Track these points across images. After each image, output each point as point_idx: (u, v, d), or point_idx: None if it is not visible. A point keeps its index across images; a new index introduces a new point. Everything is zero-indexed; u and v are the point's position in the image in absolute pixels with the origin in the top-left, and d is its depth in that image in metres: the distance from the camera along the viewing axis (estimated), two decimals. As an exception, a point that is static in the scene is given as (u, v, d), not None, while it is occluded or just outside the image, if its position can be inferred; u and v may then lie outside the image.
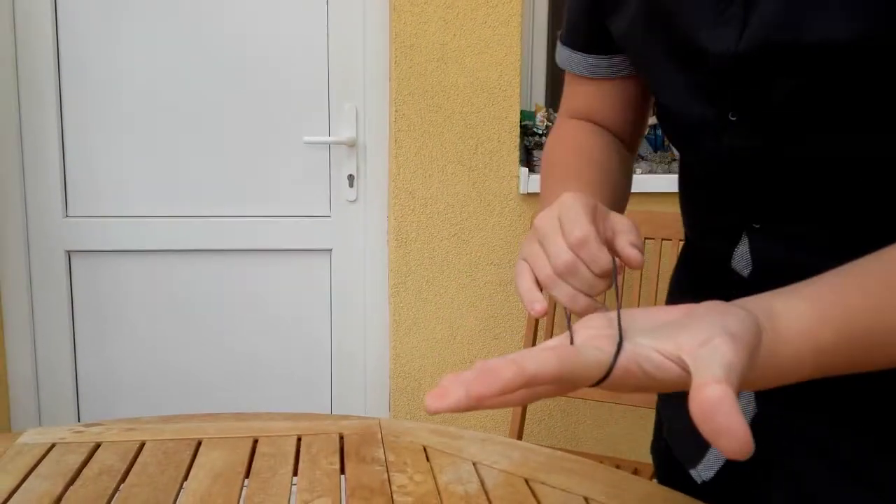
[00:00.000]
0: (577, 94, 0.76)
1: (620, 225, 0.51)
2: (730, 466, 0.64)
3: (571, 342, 0.42)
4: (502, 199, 1.88)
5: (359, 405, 2.03)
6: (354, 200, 1.94)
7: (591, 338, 0.41)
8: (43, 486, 0.69)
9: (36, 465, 0.73)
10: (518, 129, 1.87)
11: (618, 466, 1.25)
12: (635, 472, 1.52)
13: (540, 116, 1.91)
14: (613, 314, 0.43)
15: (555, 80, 2.06)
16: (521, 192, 1.87)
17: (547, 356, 0.37)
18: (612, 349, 0.39)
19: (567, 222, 0.49)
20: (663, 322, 0.42)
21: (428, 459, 0.76)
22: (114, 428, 0.82)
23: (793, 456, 0.60)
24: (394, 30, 1.81)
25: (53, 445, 0.77)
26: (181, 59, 1.86)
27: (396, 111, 1.83)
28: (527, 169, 1.87)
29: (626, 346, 0.39)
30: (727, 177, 0.58)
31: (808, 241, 0.55)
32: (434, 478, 0.72)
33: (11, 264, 1.88)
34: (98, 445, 0.78)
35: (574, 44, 0.73)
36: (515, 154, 1.87)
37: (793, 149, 0.53)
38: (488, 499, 0.69)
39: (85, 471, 0.72)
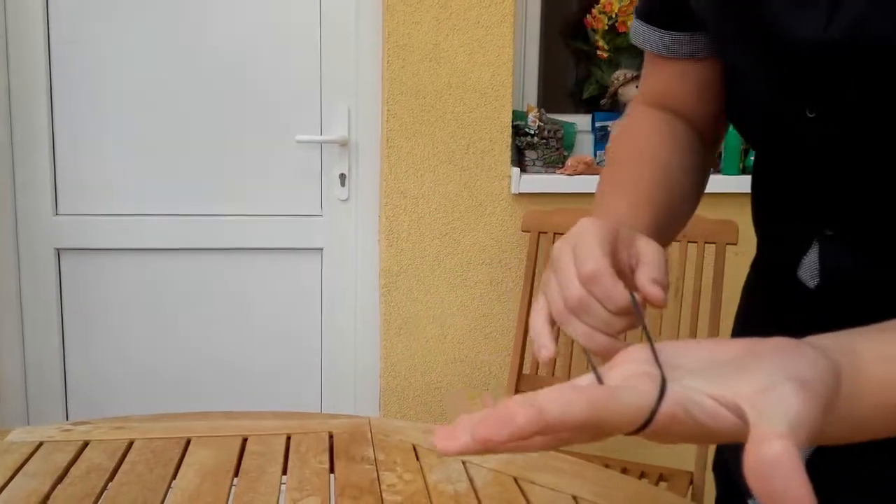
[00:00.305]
0: (652, 76, 0.70)
1: (646, 255, 0.46)
2: None
3: (600, 382, 0.36)
4: (494, 198, 1.89)
5: (348, 405, 2.03)
6: (346, 199, 1.94)
7: (631, 376, 0.35)
8: (31, 484, 0.69)
9: (24, 464, 0.73)
10: (510, 129, 1.87)
11: (607, 466, 1.25)
12: (624, 471, 1.52)
13: (532, 117, 1.92)
14: (658, 347, 0.37)
15: (547, 81, 2.06)
16: (513, 192, 1.87)
17: (575, 398, 0.31)
18: (655, 391, 0.33)
19: (581, 253, 0.45)
20: (719, 360, 0.36)
21: (417, 458, 0.76)
22: (102, 426, 0.82)
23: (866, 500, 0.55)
24: (386, 29, 1.81)
25: (41, 444, 0.77)
26: (173, 57, 1.86)
27: (388, 111, 1.83)
28: (518, 169, 1.88)
29: (673, 388, 0.34)
30: (802, 175, 0.54)
31: (882, 253, 0.50)
32: (423, 477, 0.72)
33: (0, 262, 1.87)
34: (86, 444, 0.78)
35: (650, 19, 0.67)
36: (507, 154, 1.87)
37: (876, 147, 0.48)
38: (477, 498, 0.69)
39: (73, 469, 0.72)
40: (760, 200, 0.64)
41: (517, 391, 1.69)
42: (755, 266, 0.68)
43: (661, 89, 0.69)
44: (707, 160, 0.69)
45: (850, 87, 0.47)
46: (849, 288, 0.45)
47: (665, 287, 0.44)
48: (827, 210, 0.53)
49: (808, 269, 0.56)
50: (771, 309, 0.63)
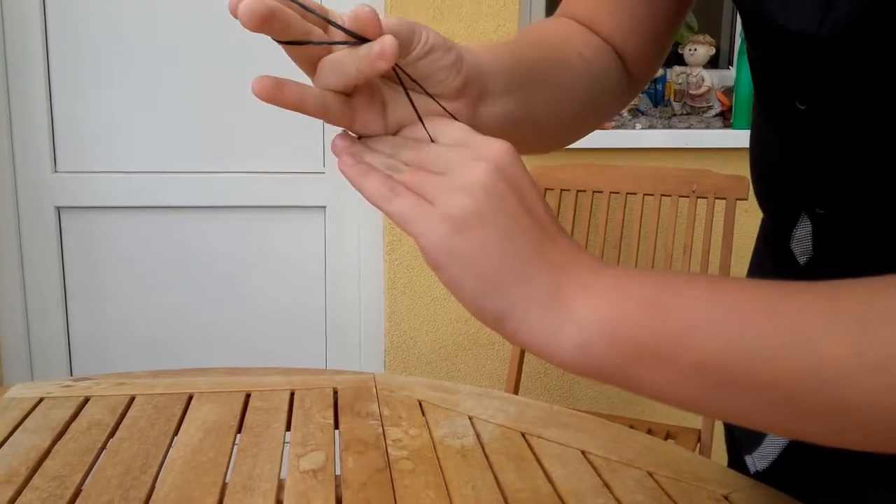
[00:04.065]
0: None
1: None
2: (787, 458, 0.58)
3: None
4: (499, 155, 1.85)
5: (353, 365, 2.02)
6: (349, 156, 1.91)
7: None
8: (31, 439, 0.68)
9: (23, 420, 0.72)
10: (515, 84, 1.83)
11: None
12: (631, 428, 1.52)
13: (538, 70, 1.87)
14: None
15: (553, 34, 2.01)
16: (519, 147, 1.84)
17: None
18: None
19: None
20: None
21: (423, 414, 0.75)
22: (103, 382, 0.80)
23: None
24: (388, -21, 1.76)
25: (41, 400, 0.76)
26: (172, 10, 1.81)
27: (391, 64, 1.79)
28: (524, 124, 1.84)
29: None
30: (794, 155, 0.51)
31: (873, 237, 0.48)
32: (430, 432, 0.71)
33: (0, 221, 1.85)
34: (87, 400, 0.76)
35: None
36: (513, 109, 1.83)
37: (866, 140, 0.45)
38: (485, 452, 0.68)
39: (73, 425, 0.71)
40: (755, 166, 0.60)
41: (523, 350, 1.68)
42: (760, 228, 0.66)
43: (586, 10, 0.59)
44: (621, 83, 0.60)
45: (843, 83, 0.44)
46: (839, 268, 0.41)
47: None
48: (817, 191, 0.51)
49: (799, 243, 0.54)
50: (768, 275, 0.61)
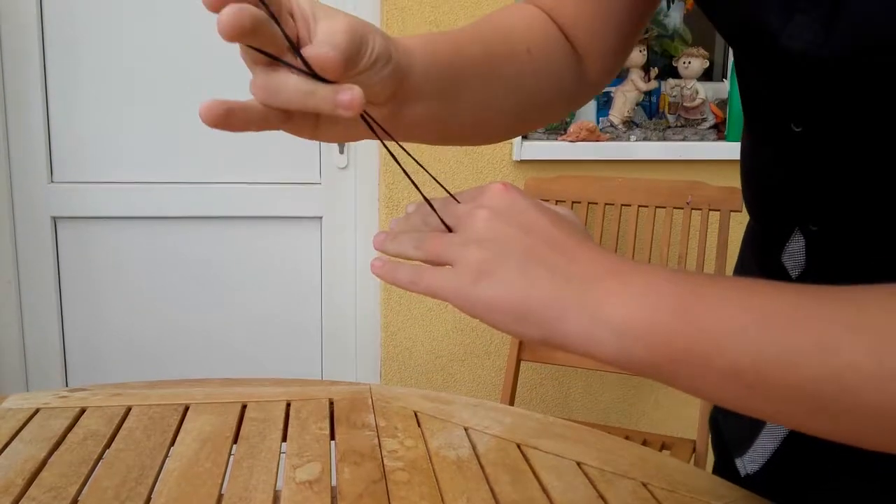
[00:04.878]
0: None
1: (320, 34, 0.40)
2: (778, 461, 0.58)
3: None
4: (495, 165, 1.86)
5: (349, 375, 2.02)
6: (345, 167, 1.92)
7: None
8: (27, 450, 0.68)
9: (20, 430, 0.72)
10: (511, 96, 1.84)
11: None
12: (626, 439, 1.52)
13: (533, 82, 1.88)
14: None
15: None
16: (515, 158, 1.85)
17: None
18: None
19: None
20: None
21: (419, 425, 0.75)
22: (99, 393, 0.81)
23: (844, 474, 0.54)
24: (385, -8, 1.77)
25: (37, 410, 0.76)
26: (170, 21, 1.82)
27: (388, 76, 1.80)
28: (520, 135, 1.85)
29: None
30: (787, 174, 0.51)
31: (867, 254, 0.48)
32: (425, 443, 0.71)
33: (-4, 231, 1.85)
34: (83, 410, 0.76)
35: None
36: (508, 121, 1.84)
37: (865, 161, 0.44)
38: (480, 464, 0.68)
39: (69, 436, 0.71)
40: (746, 180, 0.60)
41: (518, 360, 1.69)
42: (746, 237, 0.65)
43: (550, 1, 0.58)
44: (573, 83, 0.59)
45: (843, 105, 0.43)
46: (831, 284, 0.42)
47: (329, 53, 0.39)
48: (811, 209, 0.51)
49: (791, 257, 0.53)
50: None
